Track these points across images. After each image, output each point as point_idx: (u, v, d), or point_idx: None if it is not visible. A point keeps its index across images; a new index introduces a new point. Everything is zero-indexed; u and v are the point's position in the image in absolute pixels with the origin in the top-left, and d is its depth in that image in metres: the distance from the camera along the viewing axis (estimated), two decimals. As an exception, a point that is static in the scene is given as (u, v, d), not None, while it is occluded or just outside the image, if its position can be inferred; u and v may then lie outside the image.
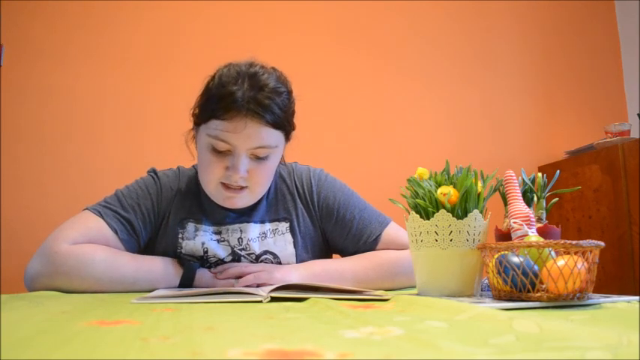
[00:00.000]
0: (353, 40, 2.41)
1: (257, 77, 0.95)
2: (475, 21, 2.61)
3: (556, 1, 2.77)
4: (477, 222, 0.74)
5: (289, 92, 1.01)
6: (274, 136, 0.97)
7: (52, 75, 2.02)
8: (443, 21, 2.56)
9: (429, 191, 0.75)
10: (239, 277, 0.98)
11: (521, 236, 0.72)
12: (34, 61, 2.00)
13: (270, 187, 1.10)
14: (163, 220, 1.06)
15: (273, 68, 1.02)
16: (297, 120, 1.05)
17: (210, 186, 1.00)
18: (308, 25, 2.36)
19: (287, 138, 1.03)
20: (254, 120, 0.93)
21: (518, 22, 2.69)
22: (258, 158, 0.97)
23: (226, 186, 0.98)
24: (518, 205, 0.76)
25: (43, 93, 2.00)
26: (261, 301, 0.69)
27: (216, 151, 0.96)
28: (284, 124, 0.98)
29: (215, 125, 0.94)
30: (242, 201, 1.01)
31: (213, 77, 0.99)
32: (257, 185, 1.00)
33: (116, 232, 1.00)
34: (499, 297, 0.67)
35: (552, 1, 2.76)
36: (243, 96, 0.92)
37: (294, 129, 1.04)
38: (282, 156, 1.09)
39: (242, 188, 0.99)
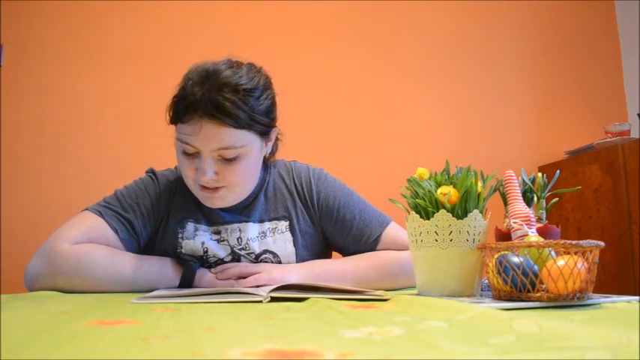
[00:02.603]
0: (353, 40, 2.41)
1: (217, 76, 0.91)
2: (475, 21, 2.61)
3: (556, 1, 2.77)
4: (477, 222, 0.74)
5: (262, 89, 0.96)
6: (238, 136, 0.92)
7: (52, 75, 2.02)
8: (443, 21, 2.56)
9: (429, 191, 0.75)
10: (239, 277, 0.98)
11: (521, 236, 0.72)
12: (34, 61, 2.00)
13: (268, 186, 1.10)
14: (163, 220, 1.06)
15: (248, 64, 0.98)
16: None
17: (191, 187, 1.00)
18: (308, 25, 2.36)
19: (263, 136, 0.99)
20: (211, 122, 0.90)
21: (518, 21, 2.69)
22: (226, 159, 0.94)
23: (203, 186, 0.97)
24: (518, 205, 0.76)
25: (43, 93, 2.00)
26: (261, 301, 0.69)
27: (187, 154, 0.95)
28: (249, 123, 0.93)
29: (179, 129, 0.94)
30: (223, 200, 0.99)
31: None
32: (234, 185, 0.97)
33: (116, 232, 1.00)
34: (499, 297, 0.67)
35: (552, 1, 2.76)
36: (199, 98, 0.90)
37: (272, 126, 1.00)
38: (273, 153, 1.08)
39: (217, 188, 0.97)
